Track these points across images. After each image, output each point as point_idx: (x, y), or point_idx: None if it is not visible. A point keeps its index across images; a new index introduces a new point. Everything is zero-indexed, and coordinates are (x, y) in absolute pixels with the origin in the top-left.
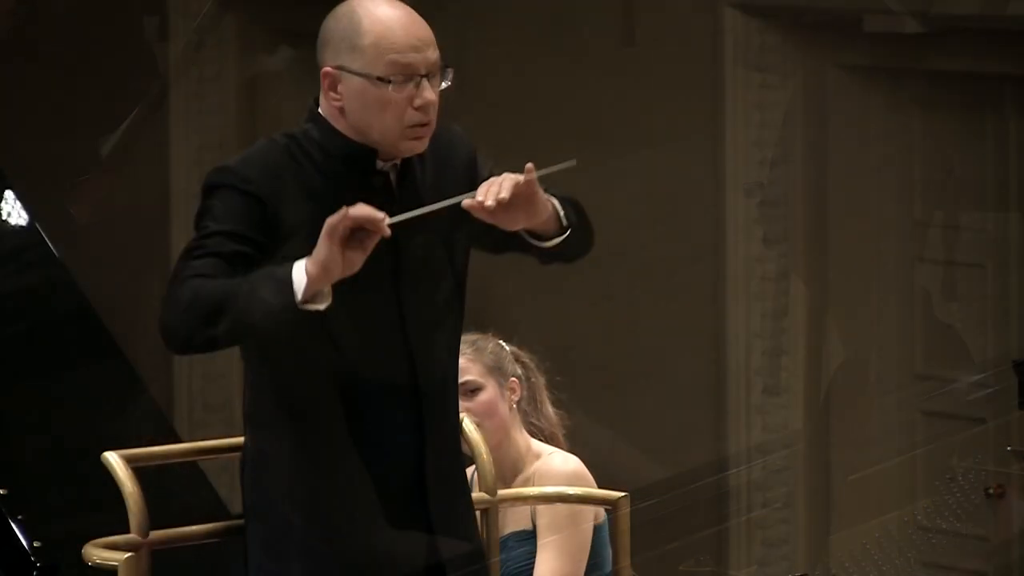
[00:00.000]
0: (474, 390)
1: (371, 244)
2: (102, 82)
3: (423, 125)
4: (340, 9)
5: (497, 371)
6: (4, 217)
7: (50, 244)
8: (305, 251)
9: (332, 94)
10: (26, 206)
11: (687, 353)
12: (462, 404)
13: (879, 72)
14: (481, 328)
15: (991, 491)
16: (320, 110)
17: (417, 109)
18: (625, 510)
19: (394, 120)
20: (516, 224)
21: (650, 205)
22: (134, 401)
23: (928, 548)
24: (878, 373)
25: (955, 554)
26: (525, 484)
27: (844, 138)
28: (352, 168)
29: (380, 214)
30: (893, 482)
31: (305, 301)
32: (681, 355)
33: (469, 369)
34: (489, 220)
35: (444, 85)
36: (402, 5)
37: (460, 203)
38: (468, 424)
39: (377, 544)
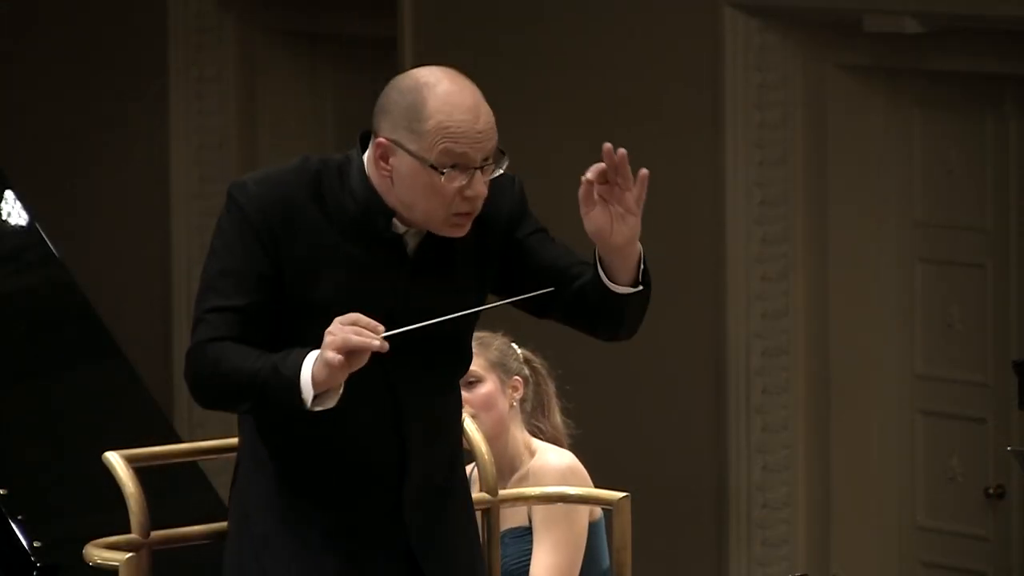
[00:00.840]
0: (473, 382)
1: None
2: (102, 82)
3: (468, 213)
4: (406, 81)
5: (500, 367)
6: (4, 217)
7: (50, 244)
8: (308, 282)
9: (382, 163)
10: (26, 206)
11: (687, 353)
12: (462, 394)
13: (879, 72)
14: (491, 329)
15: (991, 491)
16: (365, 161)
17: (466, 199)
18: (626, 510)
19: (441, 206)
20: (606, 223)
21: (650, 205)
22: (134, 401)
23: (928, 548)
24: (878, 373)
25: (955, 554)
26: (521, 481)
27: (844, 138)
28: (368, 223)
29: (375, 341)
30: (893, 482)
31: (315, 399)
32: (681, 355)
33: (472, 361)
34: (587, 204)
35: (497, 173)
36: (468, 86)
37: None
38: (467, 420)
39: (351, 561)
